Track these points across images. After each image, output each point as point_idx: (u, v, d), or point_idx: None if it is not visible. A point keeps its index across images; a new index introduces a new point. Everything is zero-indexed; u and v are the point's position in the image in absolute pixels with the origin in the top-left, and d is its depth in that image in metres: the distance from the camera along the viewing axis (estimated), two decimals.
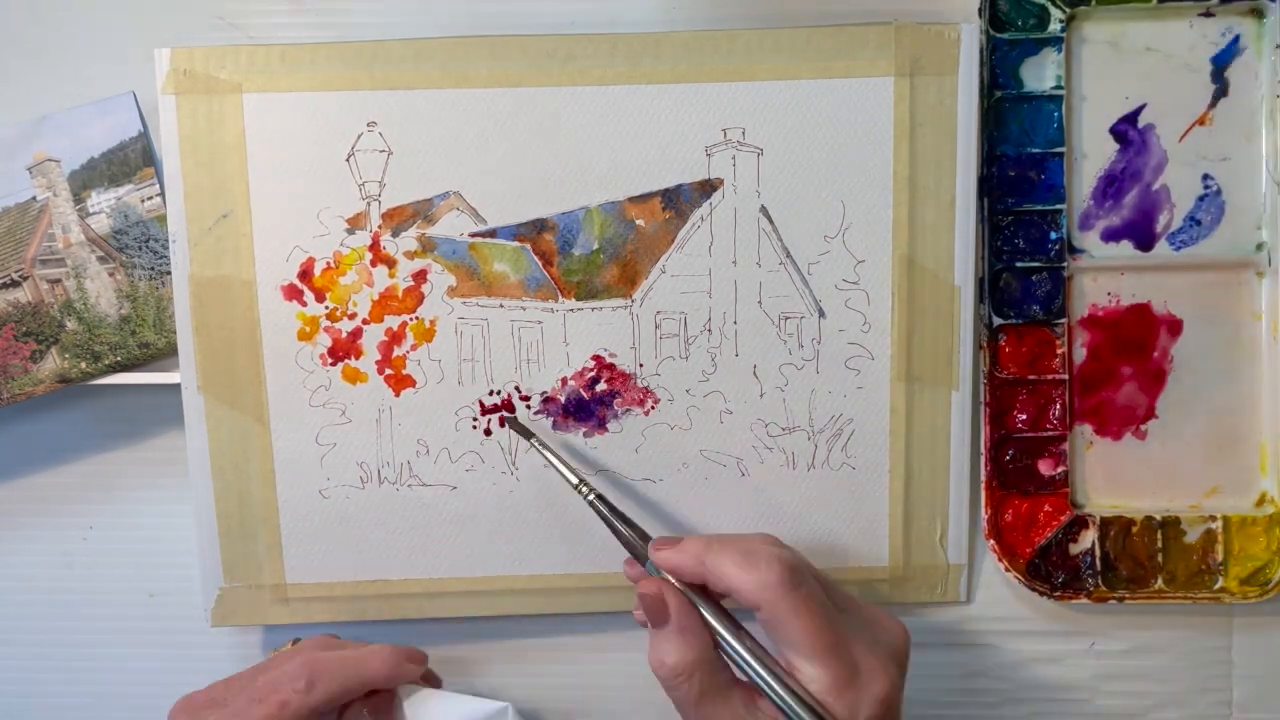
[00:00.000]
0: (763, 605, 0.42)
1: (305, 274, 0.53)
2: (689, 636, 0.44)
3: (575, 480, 0.49)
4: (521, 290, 0.53)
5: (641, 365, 0.53)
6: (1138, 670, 0.56)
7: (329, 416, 0.53)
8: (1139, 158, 0.53)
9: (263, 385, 0.53)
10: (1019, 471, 0.54)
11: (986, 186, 0.53)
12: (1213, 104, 0.53)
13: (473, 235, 0.53)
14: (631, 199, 0.52)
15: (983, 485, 0.54)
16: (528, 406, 0.53)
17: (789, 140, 0.52)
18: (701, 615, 0.44)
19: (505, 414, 0.52)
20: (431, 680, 0.52)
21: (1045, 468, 0.54)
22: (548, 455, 0.50)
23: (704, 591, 0.45)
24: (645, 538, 0.47)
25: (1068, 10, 0.52)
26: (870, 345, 0.53)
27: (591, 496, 0.48)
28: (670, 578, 0.45)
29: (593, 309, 0.53)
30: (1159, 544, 0.54)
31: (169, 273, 0.53)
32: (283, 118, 0.52)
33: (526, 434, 0.52)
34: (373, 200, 0.52)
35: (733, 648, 0.44)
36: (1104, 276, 0.54)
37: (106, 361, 0.53)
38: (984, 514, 0.54)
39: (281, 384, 0.53)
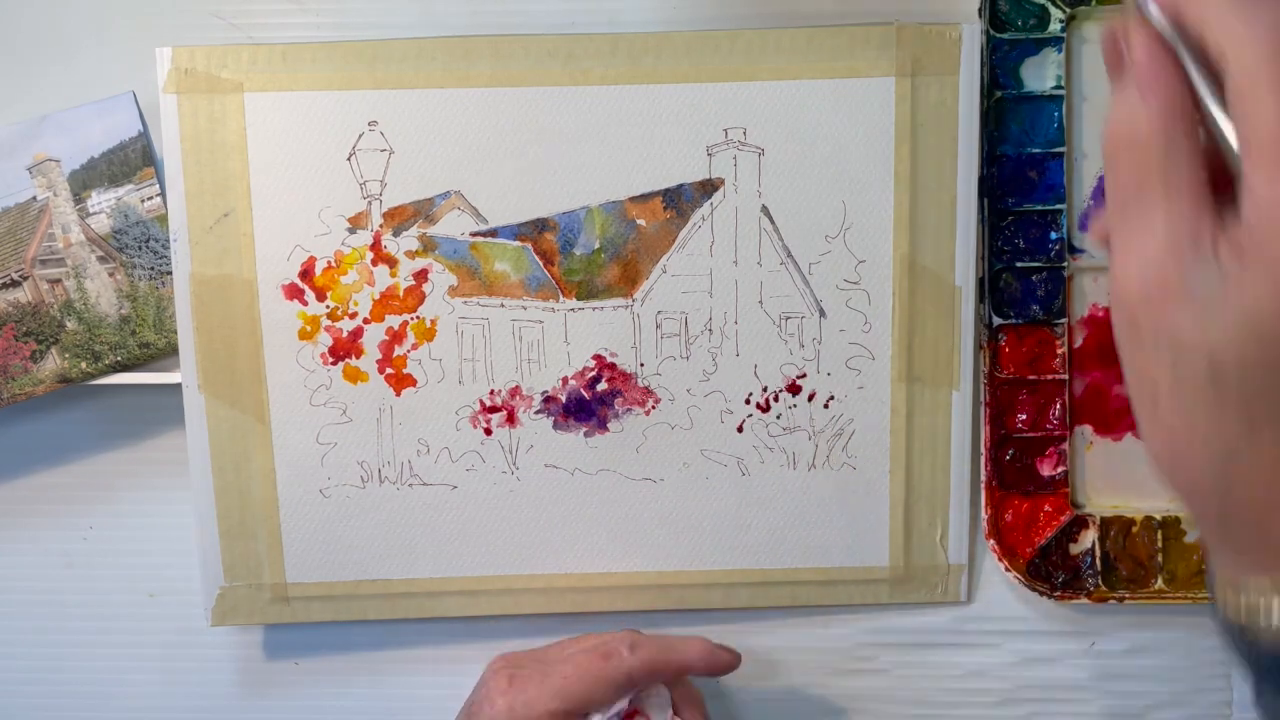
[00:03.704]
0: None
1: (306, 273, 0.53)
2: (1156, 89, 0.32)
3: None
4: (522, 290, 0.53)
5: (642, 365, 0.53)
6: (1138, 670, 0.56)
7: (329, 416, 0.53)
8: None
9: (263, 384, 0.53)
10: (1019, 471, 0.54)
11: (987, 186, 0.53)
12: None
13: (474, 235, 0.53)
14: (632, 198, 0.52)
15: (983, 485, 0.54)
16: (528, 406, 0.53)
17: (790, 140, 0.52)
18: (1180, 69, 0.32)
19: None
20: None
21: (1045, 468, 0.54)
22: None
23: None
24: None
25: (1068, 10, 0.52)
26: (871, 345, 0.53)
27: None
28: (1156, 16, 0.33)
29: (594, 308, 0.53)
30: (1159, 544, 0.54)
31: (169, 273, 0.53)
32: (284, 117, 0.52)
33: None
34: (374, 199, 0.52)
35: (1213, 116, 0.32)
36: (1104, 276, 0.54)
37: (106, 361, 0.53)
38: (984, 514, 0.54)
39: (282, 383, 0.53)
